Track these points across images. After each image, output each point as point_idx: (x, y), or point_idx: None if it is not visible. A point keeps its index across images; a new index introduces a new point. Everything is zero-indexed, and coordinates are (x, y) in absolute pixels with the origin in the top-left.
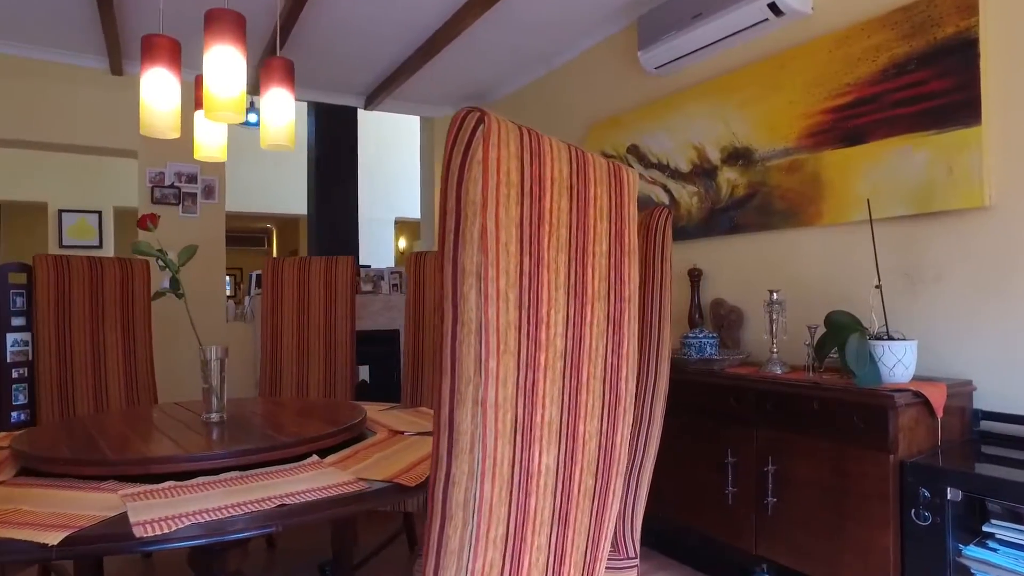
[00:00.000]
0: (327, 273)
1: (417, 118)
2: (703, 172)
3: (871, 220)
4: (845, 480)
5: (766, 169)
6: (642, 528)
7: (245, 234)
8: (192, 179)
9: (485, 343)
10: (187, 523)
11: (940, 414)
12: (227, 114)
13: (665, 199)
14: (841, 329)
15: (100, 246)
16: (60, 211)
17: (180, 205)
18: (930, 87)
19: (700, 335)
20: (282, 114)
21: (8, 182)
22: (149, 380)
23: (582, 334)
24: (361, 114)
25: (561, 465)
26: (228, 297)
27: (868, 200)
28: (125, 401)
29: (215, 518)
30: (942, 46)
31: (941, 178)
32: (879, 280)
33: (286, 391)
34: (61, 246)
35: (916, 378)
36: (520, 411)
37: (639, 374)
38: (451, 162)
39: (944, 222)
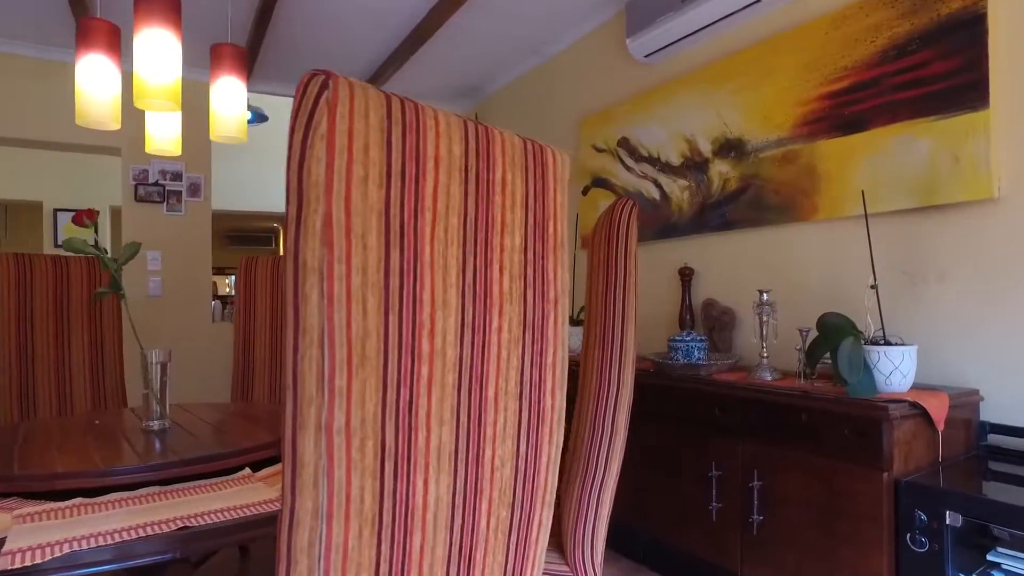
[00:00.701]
0: None
1: None
2: (694, 165)
3: (866, 213)
4: (836, 499)
5: (759, 161)
6: (628, 541)
7: (252, 233)
8: (177, 177)
9: (330, 355)
10: (67, 550)
11: (941, 427)
12: (160, 102)
13: (656, 195)
14: (834, 333)
15: (95, 245)
16: (55, 210)
17: (164, 203)
18: (933, 69)
19: (687, 338)
20: (233, 104)
21: (3, 181)
22: (118, 383)
23: (486, 342)
24: None
25: (459, 497)
26: (219, 297)
27: (863, 192)
28: (91, 404)
29: (107, 543)
30: (946, 23)
31: (946, 168)
32: (875, 279)
33: (258, 396)
34: (56, 245)
35: (916, 387)
36: (389, 436)
37: (599, 383)
38: (292, 136)
39: (949, 216)
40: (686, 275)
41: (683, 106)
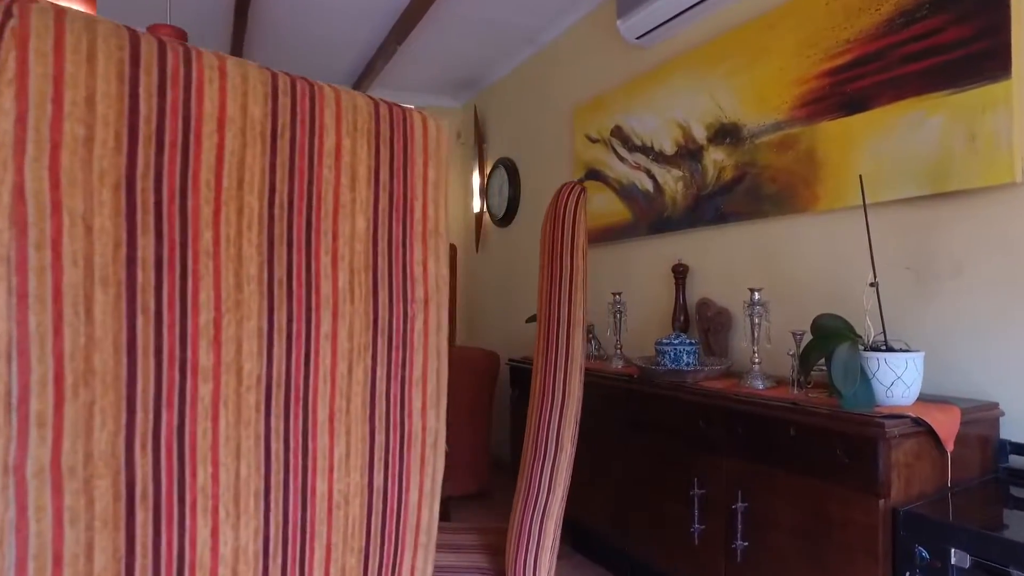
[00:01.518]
0: None
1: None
2: (688, 153)
3: (864, 200)
4: (827, 527)
5: (755, 147)
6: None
7: None
8: None
9: (20, 372)
10: None
11: (950, 447)
12: None
13: (650, 186)
14: (829, 336)
15: None
16: None
17: None
18: (946, 36)
19: (675, 341)
20: None
21: None
22: None
23: (310, 352)
24: None
25: (275, 545)
26: None
27: (860, 176)
28: None
29: None
30: None
31: (960, 149)
32: (874, 276)
33: None
34: None
35: (924, 399)
36: (140, 474)
37: (543, 394)
38: None
39: (965, 203)
40: (680, 272)
41: (676, 90)
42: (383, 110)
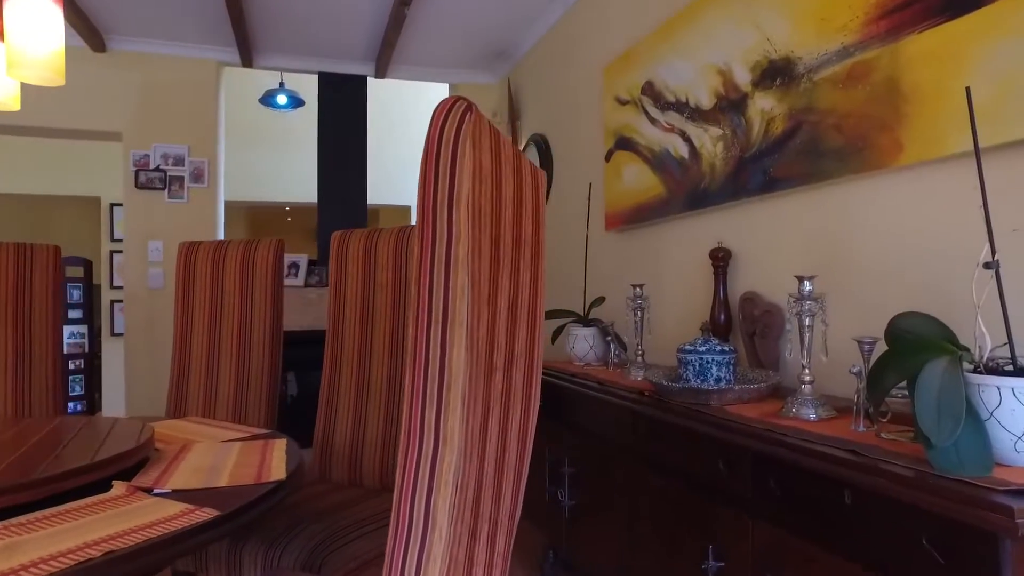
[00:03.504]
0: (245, 261)
1: (431, 90)
2: (729, 105)
3: (975, 136)
4: None
5: (813, 87)
6: None
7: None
8: (179, 161)
9: None
10: None
11: None
12: (37, 73)
13: (684, 151)
14: (914, 348)
15: None
16: (112, 205)
17: (167, 190)
18: None
19: (701, 348)
20: (39, 32)
21: (62, 177)
22: (50, 385)
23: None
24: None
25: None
26: None
27: (968, 91)
28: (13, 410)
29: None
30: None
31: None
32: (993, 254)
33: (191, 407)
34: (113, 239)
35: None
36: None
37: (407, 431)
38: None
39: None
40: (720, 259)
41: (714, 27)
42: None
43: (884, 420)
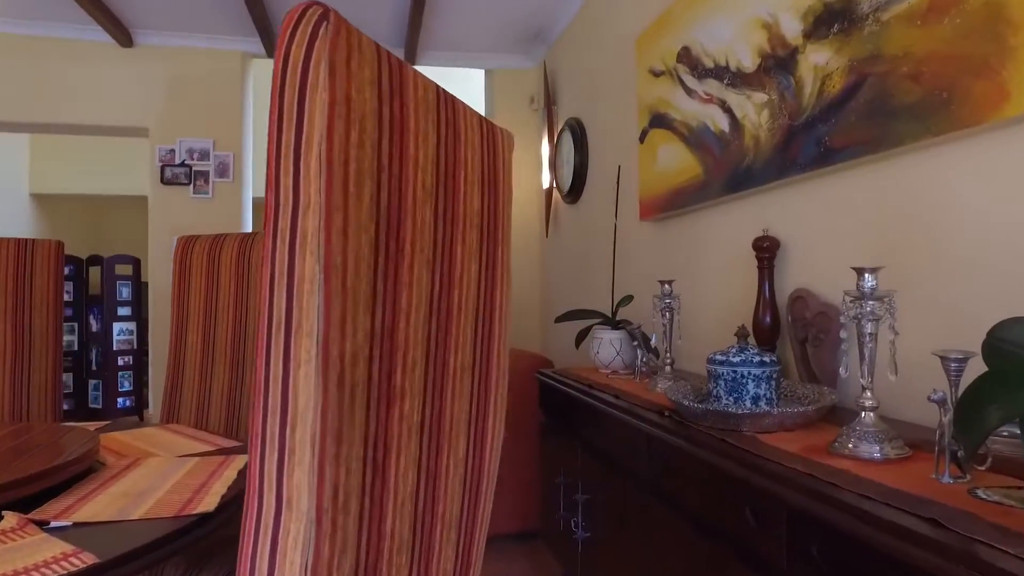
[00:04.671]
0: (241, 256)
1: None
2: (777, 64)
3: None
4: None
5: (881, 29)
6: None
7: None
8: (204, 156)
9: None
10: None
11: None
12: None
13: (724, 124)
14: None
15: None
16: None
17: (192, 185)
18: None
19: (736, 359)
20: None
21: (111, 175)
22: (48, 388)
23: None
24: None
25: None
26: None
27: None
28: (9, 412)
29: None
30: None
31: None
32: None
33: (184, 410)
34: None
35: None
36: None
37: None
38: None
39: None
40: (766, 250)
41: None
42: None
43: (981, 468)
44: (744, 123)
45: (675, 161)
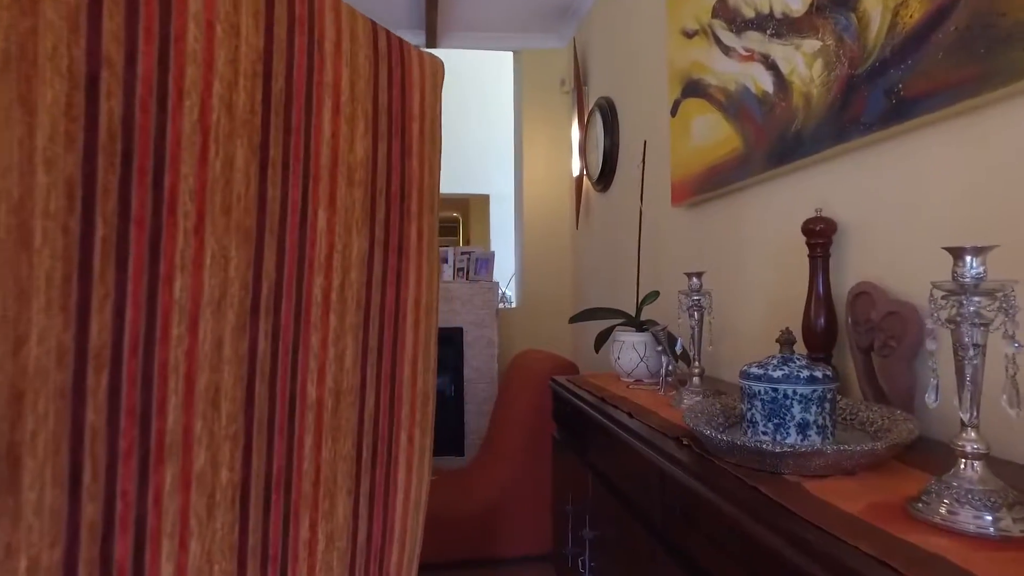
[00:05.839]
0: None
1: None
2: (832, 1)
3: None
4: None
5: None
6: None
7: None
8: None
9: None
10: None
11: None
12: None
13: (768, 83)
14: None
15: None
16: None
17: None
18: None
19: (776, 371)
20: None
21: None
22: None
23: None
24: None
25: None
26: None
27: None
28: None
29: None
30: None
31: None
32: None
33: None
34: None
35: None
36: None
37: None
38: None
39: None
40: (819, 234)
41: None
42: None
43: None
44: (792, 79)
45: (711, 134)
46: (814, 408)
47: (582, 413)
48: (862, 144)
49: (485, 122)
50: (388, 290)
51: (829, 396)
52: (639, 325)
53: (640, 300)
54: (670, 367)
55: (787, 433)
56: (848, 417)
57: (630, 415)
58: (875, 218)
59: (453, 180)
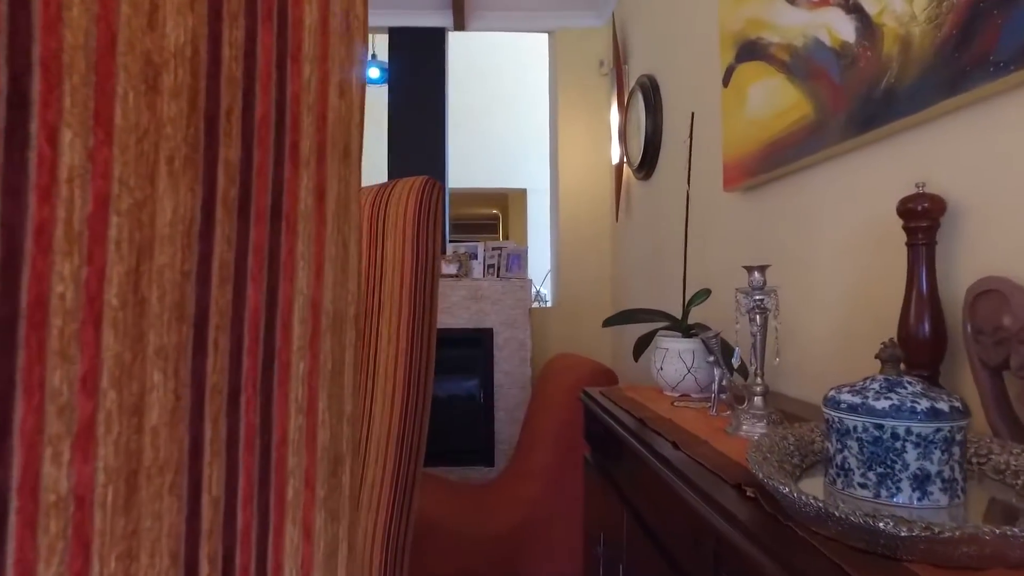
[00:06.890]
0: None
1: (542, 46)
2: None
3: None
4: None
5: None
6: None
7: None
8: None
9: None
10: None
11: None
12: None
13: (848, 32)
14: None
15: None
16: None
17: None
18: None
19: (881, 401)
20: None
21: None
22: None
23: None
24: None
25: None
26: None
27: None
28: None
29: None
30: None
31: None
32: None
33: None
34: None
35: None
36: None
37: None
38: None
39: None
40: (922, 216)
41: None
42: None
43: None
44: (882, 21)
45: (772, 102)
46: (937, 454)
47: (616, 436)
48: (988, 93)
49: (520, 113)
50: (250, 286)
51: (959, 437)
52: (686, 330)
53: (687, 300)
54: (723, 381)
55: (896, 488)
56: (978, 462)
57: (675, 446)
58: (1005, 193)
59: (491, 175)
